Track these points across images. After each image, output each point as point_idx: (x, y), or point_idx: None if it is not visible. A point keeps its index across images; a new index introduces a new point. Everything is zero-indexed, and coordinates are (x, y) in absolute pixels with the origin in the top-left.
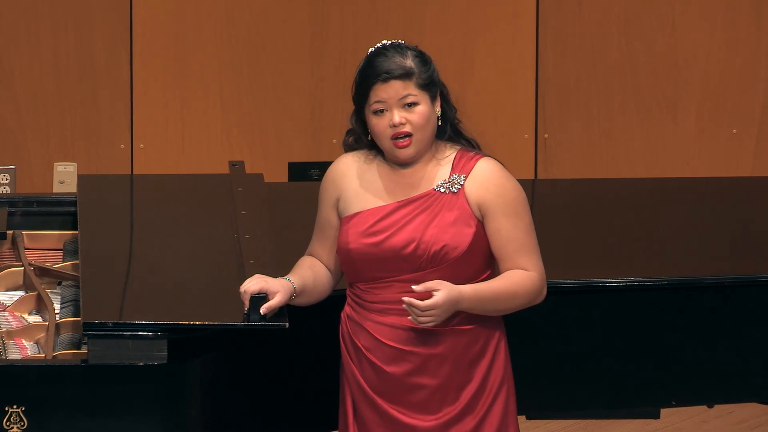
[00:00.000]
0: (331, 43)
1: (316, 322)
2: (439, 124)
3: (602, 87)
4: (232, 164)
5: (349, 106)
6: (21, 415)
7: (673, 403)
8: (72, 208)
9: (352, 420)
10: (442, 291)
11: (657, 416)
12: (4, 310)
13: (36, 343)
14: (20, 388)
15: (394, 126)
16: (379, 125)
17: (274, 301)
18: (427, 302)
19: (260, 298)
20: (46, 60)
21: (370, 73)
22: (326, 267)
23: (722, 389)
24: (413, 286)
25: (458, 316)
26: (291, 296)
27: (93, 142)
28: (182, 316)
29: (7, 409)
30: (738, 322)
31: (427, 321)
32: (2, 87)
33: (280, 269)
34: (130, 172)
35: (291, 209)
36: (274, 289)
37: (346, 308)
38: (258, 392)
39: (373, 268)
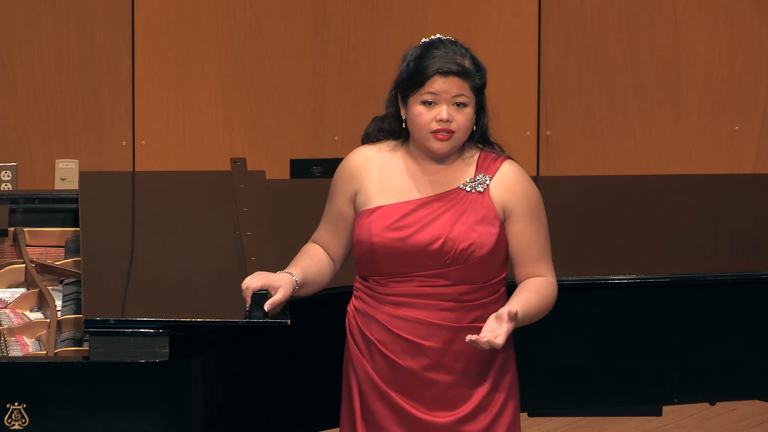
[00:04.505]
0: (333, 40)
1: (319, 317)
2: (474, 129)
3: (604, 84)
4: (234, 161)
5: (351, 103)
6: (22, 412)
7: (675, 400)
8: (74, 205)
9: (360, 416)
10: (506, 329)
11: (659, 413)
12: (5, 307)
13: (37, 340)
14: (21, 385)
15: (441, 121)
16: (426, 116)
17: (277, 296)
18: (498, 340)
19: (262, 294)
20: (48, 56)
21: (430, 64)
22: (330, 257)
23: (724, 387)
24: (509, 311)
25: (475, 313)
26: (293, 290)
27: (94, 139)
28: (184, 313)
29: (8, 406)
30: (740, 320)
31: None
32: (3, 84)
33: (281, 266)
34: (131, 169)
35: (292, 206)
36: (276, 284)
37: (354, 301)
38: (260, 389)
39: (395, 263)
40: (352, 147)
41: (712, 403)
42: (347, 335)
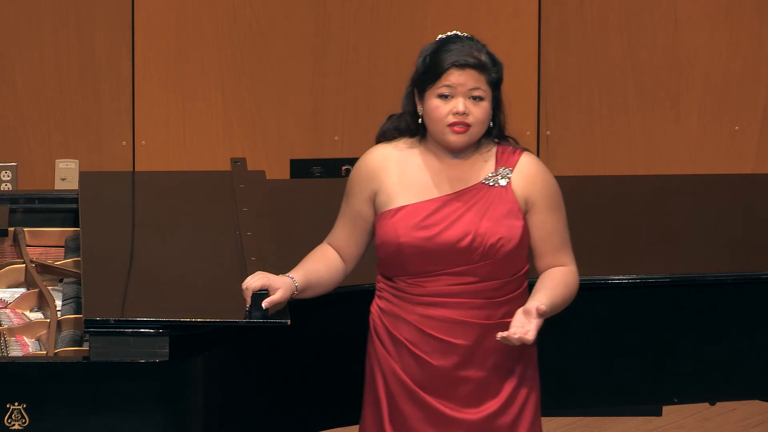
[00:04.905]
0: (333, 40)
1: (320, 317)
2: (490, 125)
3: (604, 84)
4: (234, 161)
5: (351, 103)
6: (22, 412)
7: (675, 400)
8: (73, 205)
9: (388, 417)
10: (536, 324)
11: (659, 413)
12: (5, 307)
13: (37, 340)
14: (22, 385)
15: (457, 114)
16: (442, 110)
17: (276, 296)
18: (529, 336)
19: (262, 294)
20: (48, 56)
21: (446, 57)
22: (343, 258)
23: (724, 387)
24: (537, 306)
25: (504, 309)
26: (292, 293)
27: (94, 139)
28: (184, 313)
29: (8, 406)
30: (740, 320)
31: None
32: (3, 83)
33: (281, 266)
34: (131, 169)
35: (292, 206)
36: (275, 285)
37: (379, 302)
38: (261, 389)
39: (423, 261)
40: (352, 147)
41: (712, 403)
42: (372, 336)
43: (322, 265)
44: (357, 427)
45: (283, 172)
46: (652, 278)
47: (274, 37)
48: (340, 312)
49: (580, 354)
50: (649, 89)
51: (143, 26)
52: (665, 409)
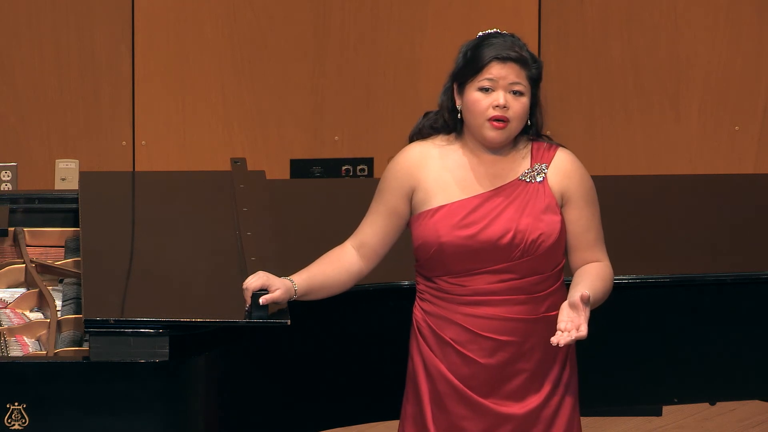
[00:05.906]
0: (333, 39)
1: (319, 317)
2: (528, 123)
3: (604, 84)
4: (234, 161)
5: (351, 103)
6: (22, 412)
7: (675, 400)
8: (74, 205)
9: (431, 416)
10: (585, 317)
11: (659, 413)
12: (5, 307)
13: (37, 341)
14: (22, 385)
15: (497, 107)
16: (482, 103)
17: (274, 295)
18: (582, 332)
19: (261, 295)
20: (48, 56)
21: (488, 51)
22: (364, 257)
23: (724, 387)
24: (581, 295)
25: (547, 303)
26: (290, 297)
27: (94, 139)
28: (184, 313)
29: (8, 406)
30: (740, 320)
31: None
32: (3, 84)
33: (281, 266)
34: (131, 169)
35: (292, 206)
36: (275, 285)
37: (421, 304)
38: (260, 389)
39: (465, 260)
40: (352, 147)
41: (712, 403)
42: (416, 337)
43: (331, 268)
44: (361, 425)
45: (283, 172)
46: (652, 278)
47: (274, 37)
48: (340, 312)
49: (580, 354)
50: (649, 89)
51: (143, 26)
52: (665, 409)
